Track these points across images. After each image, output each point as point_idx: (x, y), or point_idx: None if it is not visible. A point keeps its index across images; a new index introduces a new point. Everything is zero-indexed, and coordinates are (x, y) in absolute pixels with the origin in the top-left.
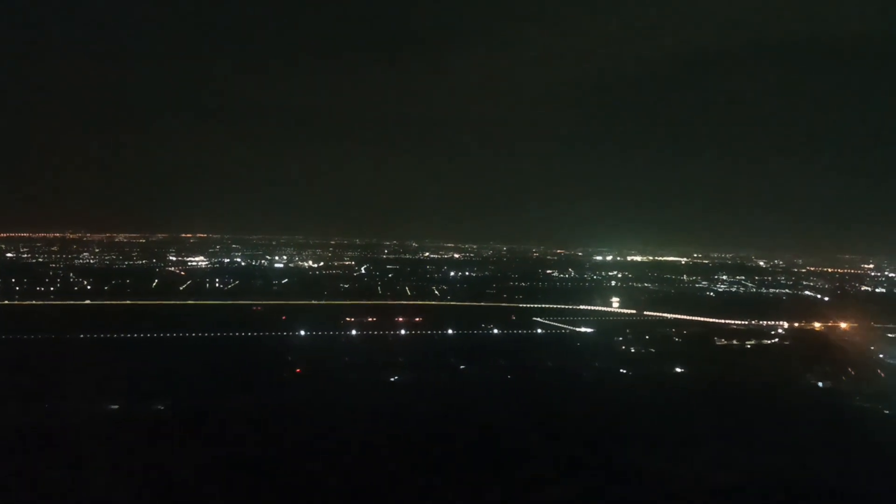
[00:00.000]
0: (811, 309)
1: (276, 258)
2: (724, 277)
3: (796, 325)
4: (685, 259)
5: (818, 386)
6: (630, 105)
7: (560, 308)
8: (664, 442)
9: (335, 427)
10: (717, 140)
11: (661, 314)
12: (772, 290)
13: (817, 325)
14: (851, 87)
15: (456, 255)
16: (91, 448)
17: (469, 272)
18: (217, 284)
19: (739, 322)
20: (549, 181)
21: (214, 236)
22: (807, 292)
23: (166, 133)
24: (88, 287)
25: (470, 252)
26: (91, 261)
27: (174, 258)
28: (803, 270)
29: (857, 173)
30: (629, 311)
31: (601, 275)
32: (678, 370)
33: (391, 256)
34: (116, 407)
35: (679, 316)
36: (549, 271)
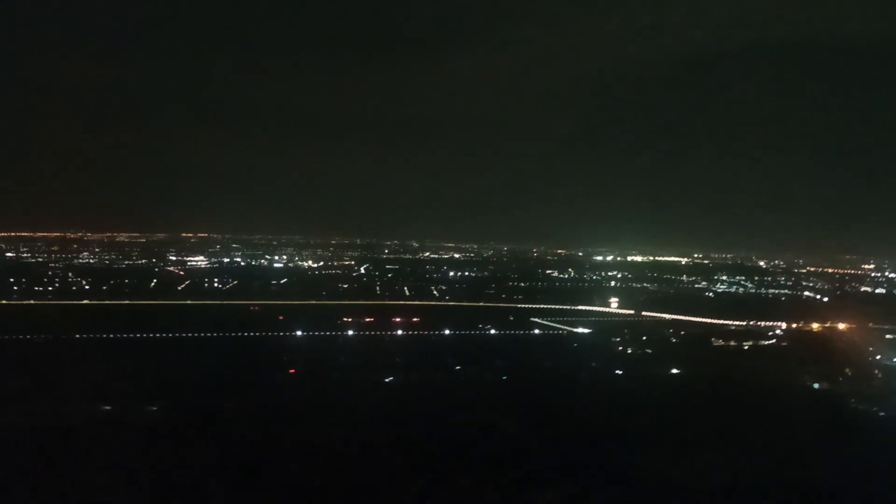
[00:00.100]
0: (810, 310)
1: (276, 258)
2: (724, 278)
3: (794, 326)
4: (685, 259)
5: (814, 388)
6: (630, 105)
7: (559, 309)
8: (658, 443)
9: (326, 428)
10: (717, 140)
11: (659, 315)
12: (771, 291)
13: (816, 326)
14: (851, 87)
15: (456, 255)
16: (79, 450)
17: (469, 272)
18: (216, 284)
19: (738, 323)
20: (549, 181)
21: (215, 236)
22: (806, 293)
23: (166, 133)
24: (87, 287)
25: (470, 252)
26: (91, 260)
27: (174, 258)
28: (803, 271)
29: (857, 173)
30: (628, 312)
31: (601, 275)
32: (674, 371)
33: (391, 256)
34: (109, 408)
35: (677, 317)
36: (548, 271)
